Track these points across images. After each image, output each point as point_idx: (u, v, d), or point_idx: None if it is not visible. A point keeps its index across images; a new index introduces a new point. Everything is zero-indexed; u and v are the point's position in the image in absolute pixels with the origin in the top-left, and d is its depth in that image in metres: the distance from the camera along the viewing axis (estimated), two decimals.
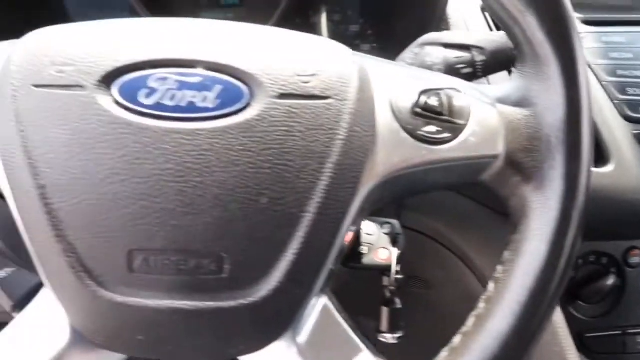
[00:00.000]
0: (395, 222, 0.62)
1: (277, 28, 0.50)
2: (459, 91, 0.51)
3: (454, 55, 0.63)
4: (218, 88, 0.44)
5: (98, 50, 0.45)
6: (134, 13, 0.96)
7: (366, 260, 0.60)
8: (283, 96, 0.45)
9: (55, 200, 0.43)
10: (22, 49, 0.46)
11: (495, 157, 0.51)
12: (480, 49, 0.63)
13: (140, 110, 0.44)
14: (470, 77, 0.64)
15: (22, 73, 0.44)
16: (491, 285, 0.51)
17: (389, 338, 0.64)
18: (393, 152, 0.48)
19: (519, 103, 0.51)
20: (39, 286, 0.50)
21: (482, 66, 0.64)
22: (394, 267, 0.70)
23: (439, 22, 0.83)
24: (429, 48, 0.64)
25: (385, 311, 0.74)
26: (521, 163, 0.50)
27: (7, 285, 0.51)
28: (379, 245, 0.60)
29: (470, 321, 0.50)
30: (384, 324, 0.74)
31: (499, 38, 0.64)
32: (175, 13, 0.97)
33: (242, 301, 0.45)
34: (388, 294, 0.73)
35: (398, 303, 0.73)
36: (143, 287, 0.44)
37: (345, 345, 0.49)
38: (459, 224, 0.81)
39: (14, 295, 0.51)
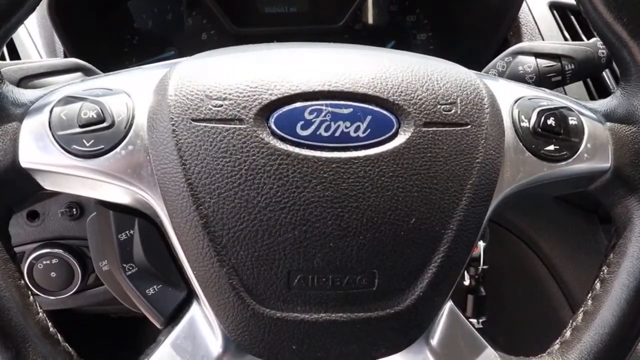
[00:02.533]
0: None
1: (409, 53, 0.54)
2: (571, 110, 0.55)
3: (545, 64, 0.67)
4: (368, 118, 0.48)
5: (252, 83, 0.48)
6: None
7: None
8: (428, 124, 0.48)
9: (218, 229, 0.47)
10: (176, 82, 0.48)
11: (605, 171, 0.55)
12: (569, 58, 0.67)
13: (298, 142, 0.47)
14: (558, 84, 0.68)
15: (181, 107, 0.47)
16: (597, 285, 0.56)
17: (474, 323, 0.69)
18: (518, 170, 0.52)
19: (625, 119, 0.55)
20: (185, 302, 0.55)
21: (570, 74, 0.67)
22: (482, 258, 0.76)
23: (510, 22, 0.85)
24: (521, 57, 0.67)
25: (470, 299, 0.79)
26: (629, 176, 0.55)
27: (156, 301, 0.55)
28: None
29: (579, 317, 0.55)
30: (470, 310, 0.80)
31: (585, 47, 0.67)
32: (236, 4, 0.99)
33: (389, 310, 0.49)
34: (474, 283, 0.78)
35: (482, 291, 0.78)
36: (300, 303, 0.48)
37: (472, 344, 0.54)
38: (530, 213, 0.86)
39: (163, 311, 0.55)
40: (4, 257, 0.49)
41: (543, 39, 0.84)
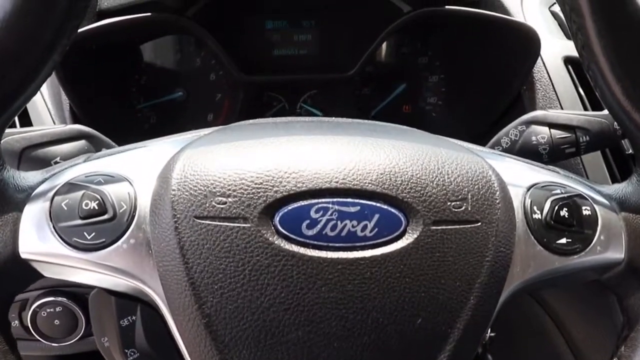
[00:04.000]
0: None
1: (421, 136, 0.52)
2: (585, 199, 0.53)
3: (559, 135, 0.65)
4: (376, 217, 0.46)
5: (257, 179, 0.46)
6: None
7: None
8: (437, 223, 0.47)
9: (220, 328, 0.46)
10: (179, 174, 0.47)
11: (618, 262, 0.53)
12: (584, 129, 0.65)
13: (303, 241, 0.46)
14: (572, 155, 0.66)
15: (183, 204, 0.46)
16: None
17: None
18: (528, 264, 0.51)
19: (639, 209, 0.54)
20: None
21: (585, 146, 0.65)
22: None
23: (525, 75, 0.84)
24: (535, 126, 0.66)
25: None
26: None
27: None
28: None
29: None
30: None
31: (601, 119, 0.66)
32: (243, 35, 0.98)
33: None
34: (480, 350, 0.77)
35: (490, 359, 0.77)
36: None
37: None
38: None
39: None
40: (4, 348, 0.48)
41: (557, 95, 0.83)
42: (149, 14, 0.81)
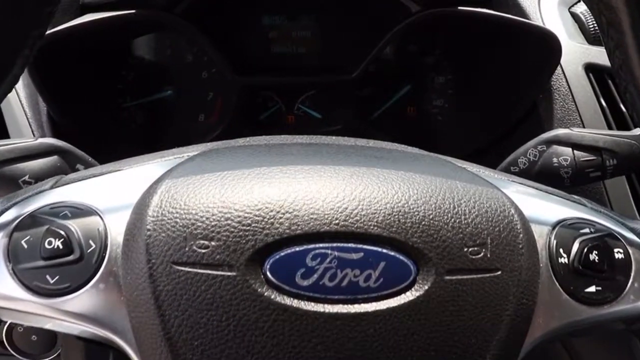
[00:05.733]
0: None
1: (434, 162, 0.46)
2: (617, 239, 0.47)
3: (583, 157, 0.59)
4: (382, 265, 0.40)
5: (245, 219, 0.40)
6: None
7: None
8: (451, 272, 0.41)
9: None
10: (155, 212, 0.41)
11: None
12: (611, 152, 0.59)
13: (297, 293, 0.40)
14: (597, 179, 0.60)
15: (159, 247, 0.40)
16: None
17: None
18: (552, 315, 0.45)
19: None
20: None
21: (611, 170, 0.59)
22: None
23: (543, 83, 0.77)
24: (557, 147, 0.59)
25: None
26: None
27: None
28: None
29: None
30: None
31: (630, 141, 0.59)
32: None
33: None
34: None
35: None
36: None
37: None
38: None
39: None
40: None
41: (576, 106, 0.76)
42: (133, 11, 0.74)
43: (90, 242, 0.42)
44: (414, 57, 0.97)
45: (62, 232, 0.42)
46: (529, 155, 0.61)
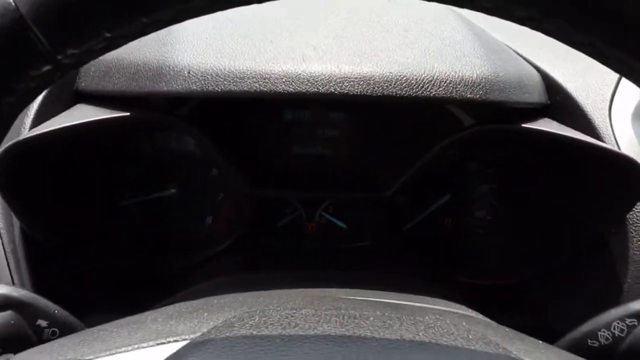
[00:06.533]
0: None
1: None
2: None
3: None
4: None
5: None
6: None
7: None
8: None
9: None
10: None
11: None
12: None
13: None
14: None
15: None
16: None
17: None
18: None
19: None
20: None
21: None
22: None
23: (615, 222, 0.64)
24: None
25: None
26: None
27: None
28: None
29: None
30: None
31: None
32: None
33: None
34: None
35: None
36: None
37: None
38: None
39: None
40: None
41: None
42: (130, 114, 0.63)
43: None
44: (454, 163, 0.84)
45: None
46: (614, 329, 0.48)
